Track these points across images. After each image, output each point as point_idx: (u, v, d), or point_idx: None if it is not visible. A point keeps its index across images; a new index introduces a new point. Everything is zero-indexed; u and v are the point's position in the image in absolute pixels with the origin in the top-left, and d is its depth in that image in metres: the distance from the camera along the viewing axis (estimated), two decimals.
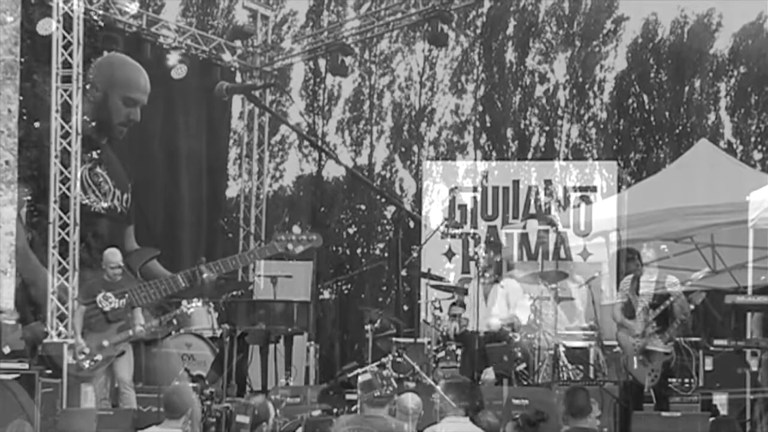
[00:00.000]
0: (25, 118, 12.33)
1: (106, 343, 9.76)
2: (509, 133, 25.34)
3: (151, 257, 11.60)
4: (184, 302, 10.19)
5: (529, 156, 24.34)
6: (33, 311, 11.51)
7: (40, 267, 11.40)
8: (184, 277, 10.78)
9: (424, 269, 11.95)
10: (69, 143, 11.32)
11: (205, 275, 10.60)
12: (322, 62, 22.23)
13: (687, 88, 25.37)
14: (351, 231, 25.68)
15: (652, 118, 25.37)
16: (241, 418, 7.40)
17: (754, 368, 9.00)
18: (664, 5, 25.15)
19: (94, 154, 12.40)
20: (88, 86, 12.42)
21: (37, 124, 12.60)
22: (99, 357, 9.68)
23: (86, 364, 9.70)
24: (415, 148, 25.54)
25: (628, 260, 9.59)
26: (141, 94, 13.51)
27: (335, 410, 8.83)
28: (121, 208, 12.88)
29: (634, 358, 9.31)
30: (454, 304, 11.20)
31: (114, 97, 13.17)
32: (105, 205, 12.58)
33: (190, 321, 11.91)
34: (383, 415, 6.65)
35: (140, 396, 9.93)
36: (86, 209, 12.11)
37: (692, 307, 9.39)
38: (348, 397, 9.27)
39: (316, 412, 8.88)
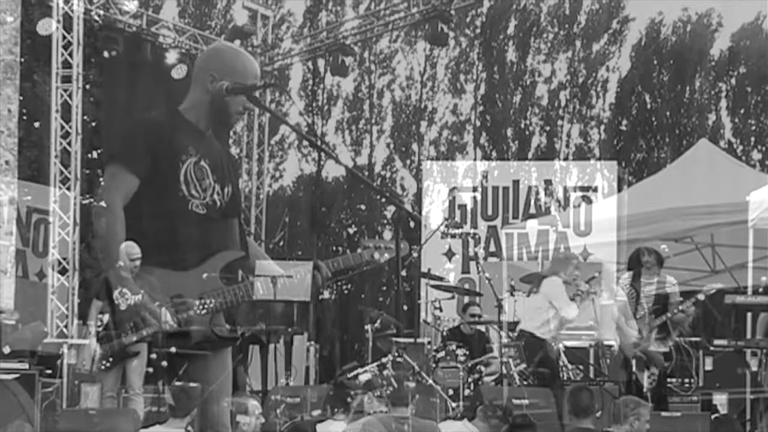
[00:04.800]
0: (25, 118, 12.35)
1: (119, 342, 9.63)
2: (509, 133, 25.36)
3: (233, 259, 11.39)
4: (197, 302, 10.10)
5: (530, 156, 24.35)
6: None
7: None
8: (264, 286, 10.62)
9: (424, 269, 11.94)
10: (69, 143, 11.33)
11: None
12: (320, 62, 22.22)
13: (688, 88, 25.39)
14: (351, 231, 25.69)
15: (653, 118, 25.39)
16: (241, 418, 7.39)
17: (754, 368, 9.00)
18: (666, 5, 25.20)
19: (192, 150, 12.25)
20: (207, 76, 12.36)
21: (37, 125, 12.60)
22: (112, 357, 9.58)
23: (100, 364, 9.60)
24: (415, 148, 25.56)
25: (644, 257, 9.56)
26: (257, 81, 13.39)
27: (335, 410, 8.83)
28: (221, 202, 12.72)
29: (633, 361, 9.31)
30: (469, 304, 11.27)
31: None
32: (204, 201, 12.45)
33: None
34: (410, 414, 6.67)
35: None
36: (184, 207, 11.99)
37: (689, 317, 9.38)
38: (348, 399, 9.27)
39: (316, 412, 8.88)
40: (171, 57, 14.93)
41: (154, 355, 9.71)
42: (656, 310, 9.35)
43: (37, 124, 13.11)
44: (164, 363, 9.84)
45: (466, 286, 13.08)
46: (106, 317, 9.65)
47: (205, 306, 9.94)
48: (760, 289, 10.00)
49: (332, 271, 10.63)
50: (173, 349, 9.86)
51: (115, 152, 11.47)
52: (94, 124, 13.38)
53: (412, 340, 10.54)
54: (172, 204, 11.76)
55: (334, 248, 25.02)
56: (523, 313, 10.29)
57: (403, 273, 12.11)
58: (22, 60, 11.78)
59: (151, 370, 9.79)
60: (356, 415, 8.06)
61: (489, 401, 8.04)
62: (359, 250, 10.39)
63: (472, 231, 13.74)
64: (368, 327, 10.67)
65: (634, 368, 9.34)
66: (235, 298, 10.43)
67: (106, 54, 14.00)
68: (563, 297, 9.55)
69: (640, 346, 9.33)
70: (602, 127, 25.58)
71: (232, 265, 11.22)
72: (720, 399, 9.31)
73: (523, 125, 25.37)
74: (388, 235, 10.19)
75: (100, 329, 9.61)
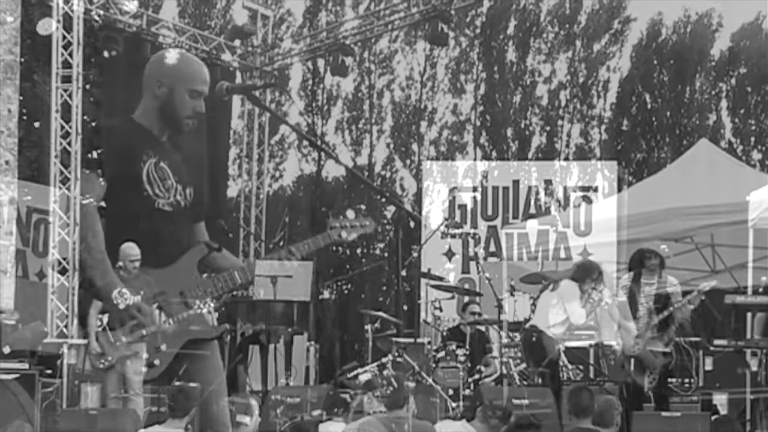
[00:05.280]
0: (25, 118, 12.34)
1: (118, 342, 9.64)
2: (509, 133, 25.35)
3: (206, 254, 11.42)
4: (198, 302, 10.11)
5: (530, 156, 24.36)
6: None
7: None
8: (241, 274, 10.65)
9: (424, 269, 11.94)
10: (69, 143, 11.33)
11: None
12: (320, 62, 22.21)
13: (688, 88, 25.39)
14: None
15: (654, 118, 25.38)
16: (241, 418, 7.39)
17: (754, 368, 9.00)
18: (666, 5, 25.19)
19: (150, 153, 12.37)
20: (155, 82, 12.42)
21: (37, 125, 12.61)
22: (111, 357, 9.58)
23: (98, 363, 9.61)
24: (415, 148, 25.56)
25: (647, 260, 9.55)
26: (204, 86, 13.40)
27: (335, 410, 8.83)
28: (185, 203, 12.76)
29: (632, 360, 9.32)
30: (469, 304, 11.28)
31: (180, 91, 13.02)
32: (168, 200, 12.51)
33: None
34: (407, 415, 6.71)
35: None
36: (151, 206, 12.08)
37: (692, 307, 9.39)
38: (346, 398, 9.27)
39: (317, 412, 8.88)
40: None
41: (146, 355, 9.75)
42: (656, 310, 9.35)
43: (37, 124, 13.11)
44: (156, 362, 9.87)
45: (466, 286, 13.08)
46: (106, 317, 9.69)
47: (205, 304, 9.98)
48: (760, 289, 10.01)
49: (304, 254, 10.68)
50: (164, 347, 9.90)
51: (83, 159, 11.65)
52: (94, 124, 13.37)
53: (412, 340, 10.55)
54: (140, 204, 11.91)
55: (334, 248, 25.01)
56: (537, 309, 10.34)
57: (403, 273, 12.12)
58: (22, 60, 11.78)
59: (146, 369, 9.82)
60: (356, 415, 8.07)
61: (489, 402, 8.04)
62: (327, 231, 10.47)
63: (472, 231, 13.74)
64: (368, 327, 10.66)
65: (632, 368, 9.35)
66: (216, 290, 10.48)
67: (106, 54, 13.98)
68: (576, 302, 9.65)
69: (640, 346, 9.33)
70: (603, 127, 25.59)
71: (206, 260, 11.30)
72: (720, 399, 9.32)
73: (523, 125, 25.37)
74: (351, 214, 10.20)
75: (100, 329, 9.63)
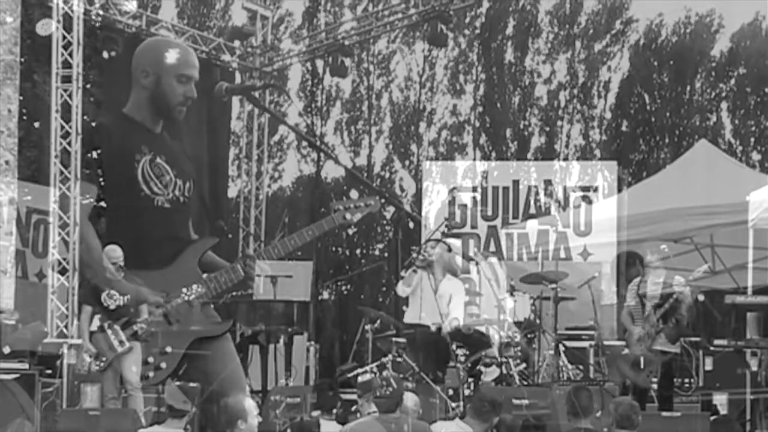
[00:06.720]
0: (25, 118, 12.33)
1: (111, 341, 9.65)
2: (509, 133, 25.35)
3: (209, 247, 11.34)
4: (184, 290, 10.10)
5: (529, 156, 24.34)
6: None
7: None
8: (243, 266, 10.56)
9: None
10: (69, 143, 11.33)
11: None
12: (319, 63, 22.20)
13: (688, 89, 25.39)
14: (351, 231, 25.67)
15: (654, 119, 25.38)
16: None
17: (754, 368, 9.01)
18: (668, 6, 25.17)
19: (145, 149, 12.21)
20: (141, 73, 12.24)
21: (37, 125, 12.59)
22: (106, 357, 9.60)
23: (95, 365, 9.63)
24: (415, 148, 25.56)
25: (628, 265, 9.59)
26: (193, 69, 13.12)
27: (334, 410, 8.83)
28: (184, 198, 12.59)
29: (641, 359, 9.34)
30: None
31: (167, 78, 12.76)
32: (168, 197, 12.39)
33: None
34: (400, 415, 6.73)
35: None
36: (149, 204, 11.96)
37: (689, 300, 9.42)
38: (344, 396, 9.28)
39: (316, 413, 8.88)
40: None
41: (151, 359, 9.75)
42: (660, 306, 9.39)
43: (37, 124, 13.10)
44: (163, 364, 9.86)
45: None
46: (97, 319, 9.72)
47: (192, 293, 9.98)
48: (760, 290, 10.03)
49: (308, 240, 10.61)
50: (168, 349, 9.90)
51: (83, 159, 11.56)
52: (94, 124, 13.35)
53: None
54: (138, 204, 11.82)
55: (334, 248, 25.01)
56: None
57: (403, 273, 12.10)
58: (22, 60, 11.80)
59: (152, 374, 9.82)
60: (353, 416, 8.07)
61: (477, 398, 8.03)
62: (331, 215, 10.41)
63: (472, 231, 13.73)
64: (368, 327, 10.66)
65: (641, 367, 9.37)
66: (218, 285, 10.41)
67: (105, 54, 13.97)
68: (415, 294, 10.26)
69: (647, 345, 9.36)
70: (602, 128, 25.58)
71: (208, 254, 11.21)
72: (720, 399, 9.32)
73: (522, 126, 25.36)
74: (355, 194, 10.14)
75: (93, 331, 9.67)
